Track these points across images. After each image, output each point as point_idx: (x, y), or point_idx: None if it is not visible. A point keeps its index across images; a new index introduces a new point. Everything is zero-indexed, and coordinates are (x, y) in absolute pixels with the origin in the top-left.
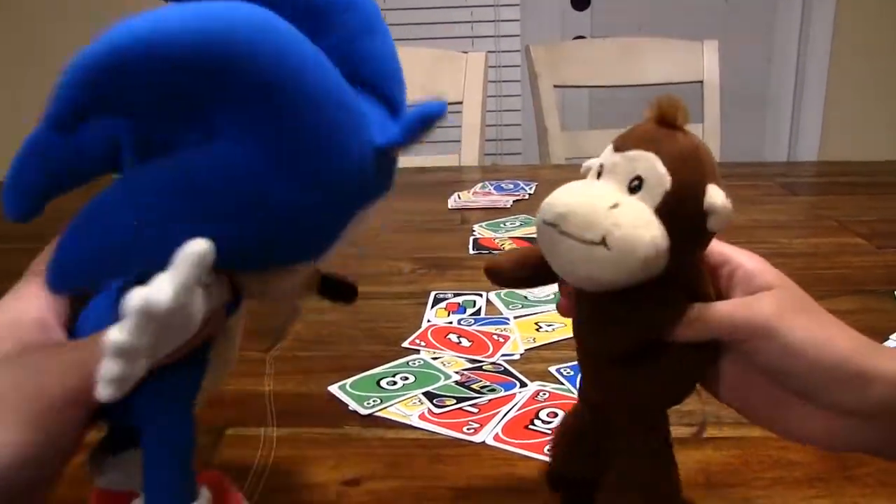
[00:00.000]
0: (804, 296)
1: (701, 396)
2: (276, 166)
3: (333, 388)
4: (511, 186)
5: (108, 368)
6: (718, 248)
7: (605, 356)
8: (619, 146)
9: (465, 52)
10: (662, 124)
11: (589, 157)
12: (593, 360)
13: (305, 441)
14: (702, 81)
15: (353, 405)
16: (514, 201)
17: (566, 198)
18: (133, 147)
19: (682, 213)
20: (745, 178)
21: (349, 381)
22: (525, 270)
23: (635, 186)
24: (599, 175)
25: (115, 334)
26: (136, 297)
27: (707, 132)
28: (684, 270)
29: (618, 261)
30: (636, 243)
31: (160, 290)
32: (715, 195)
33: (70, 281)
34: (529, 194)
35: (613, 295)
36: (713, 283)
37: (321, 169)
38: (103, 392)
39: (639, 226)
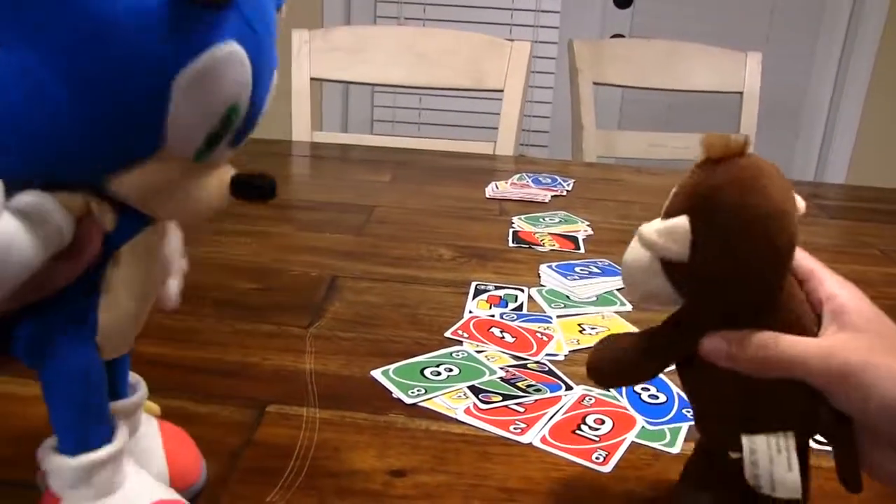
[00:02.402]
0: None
1: None
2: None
3: (376, 374)
4: (549, 181)
5: None
6: (805, 262)
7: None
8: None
9: (511, 41)
10: (715, 161)
11: (622, 158)
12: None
13: (348, 425)
14: (741, 93)
15: (396, 393)
16: (552, 196)
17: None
18: None
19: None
20: None
21: (392, 367)
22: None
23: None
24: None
25: None
26: None
27: None
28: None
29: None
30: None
31: None
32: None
33: None
34: (567, 191)
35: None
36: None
37: (70, 34)
38: None
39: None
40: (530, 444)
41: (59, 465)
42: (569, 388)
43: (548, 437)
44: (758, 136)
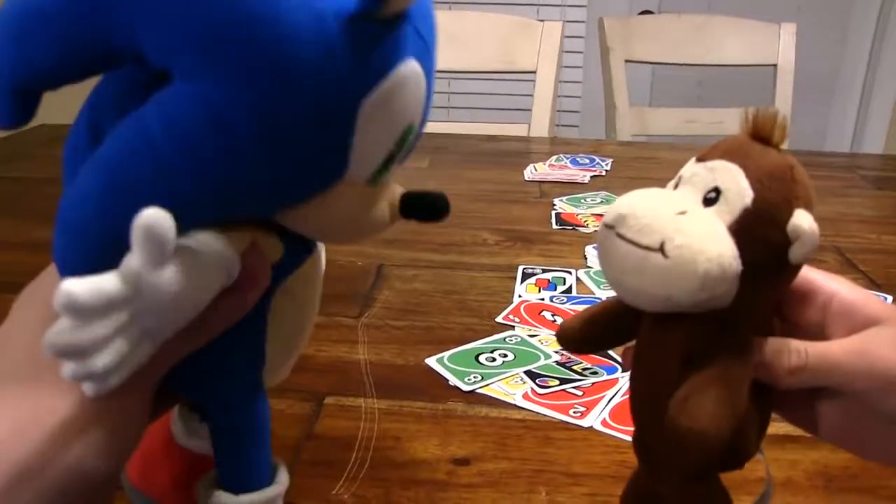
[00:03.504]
0: None
1: None
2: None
3: (431, 361)
4: (587, 161)
5: (69, 369)
6: (803, 273)
7: (651, 389)
8: (702, 157)
9: (542, 21)
10: (755, 139)
11: (655, 136)
12: (644, 394)
13: (408, 415)
14: (776, 65)
15: (453, 380)
16: (591, 177)
17: (632, 199)
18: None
19: (761, 236)
20: (822, 167)
21: (446, 354)
22: (594, 329)
23: (711, 198)
24: (677, 187)
25: (52, 334)
26: (59, 292)
27: None
28: (753, 312)
29: (675, 273)
30: (698, 255)
31: (76, 284)
32: (801, 218)
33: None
34: (606, 170)
35: (672, 318)
36: (801, 316)
37: (255, 65)
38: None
39: (707, 237)
40: (591, 427)
41: (222, 501)
42: (625, 369)
43: (608, 419)
44: (792, 107)
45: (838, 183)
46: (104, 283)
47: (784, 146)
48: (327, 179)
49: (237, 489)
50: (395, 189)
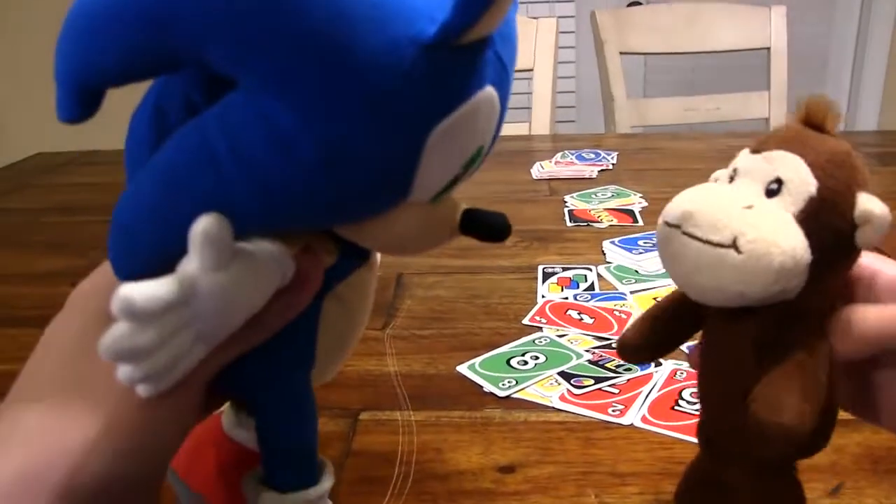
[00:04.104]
0: None
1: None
2: (281, 96)
3: (462, 369)
4: (592, 156)
5: (124, 372)
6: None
7: (724, 384)
8: (758, 148)
9: (536, 18)
10: (809, 126)
11: (654, 126)
12: (715, 388)
13: (446, 425)
14: (769, 48)
15: (487, 387)
16: (599, 171)
17: (693, 196)
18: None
19: (827, 224)
20: None
21: (477, 360)
22: (655, 335)
23: (774, 189)
24: (732, 180)
25: (110, 338)
26: (118, 296)
27: (773, 100)
28: (821, 300)
29: (750, 268)
30: (772, 248)
31: (134, 289)
32: (869, 202)
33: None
34: (613, 164)
35: (741, 312)
36: (850, 301)
37: (325, 91)
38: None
39: (778, 230)
40: (632, 424)
41: (269, 499)
42: (658, 363)
43: (648, 416)
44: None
45: None
46: (161, 288)
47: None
48: (390, 200)
49: (283, 487)
50: (458, 204)
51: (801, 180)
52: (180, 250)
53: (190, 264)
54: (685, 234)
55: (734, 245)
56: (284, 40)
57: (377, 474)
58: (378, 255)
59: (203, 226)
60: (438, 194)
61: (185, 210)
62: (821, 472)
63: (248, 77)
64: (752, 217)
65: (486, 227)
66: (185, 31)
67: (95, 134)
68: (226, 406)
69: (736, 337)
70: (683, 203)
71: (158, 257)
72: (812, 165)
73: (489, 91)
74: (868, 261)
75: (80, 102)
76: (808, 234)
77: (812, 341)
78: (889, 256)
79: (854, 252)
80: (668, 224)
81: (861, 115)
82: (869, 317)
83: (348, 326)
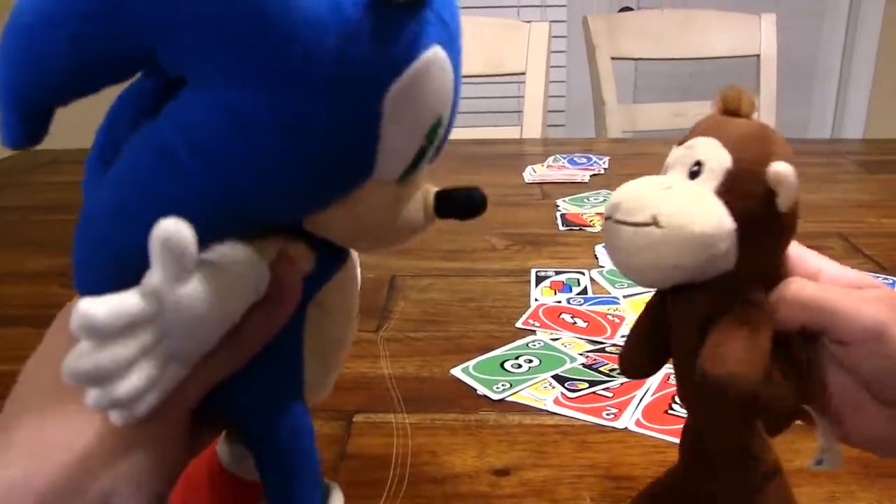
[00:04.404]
0: None
1: None
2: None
3: (456, 372)
4: (584, 160)
5: (92, 397)
6: (795, 248)
7: (681, 362)
8: (682, 141)
9: (529, 22)
10: (726, 113)
11: (645, 131)
12: (678, 372)
13: (440, 428)
14: (758, 55)
15: (481, 389)
16: (590, 175)
17: (622, 188)
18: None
19: (746, 192)
20: (815, 155)
21: (471, 363)
22: (652, 347)
23: (695, 171)
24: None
25: (71, 359)
26: (76, 313)
27: (763, 107)
28: (764, 269)
29: (674, 239)
30: (691, 217)
31: (93, 304)
32: (779, 166)
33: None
34: (604, 169)
35: (683, 290)
36: None
37: (271, 62)
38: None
39: (694, 202)
40: (626, 428)
41: None
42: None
43: (642, 419)
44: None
45: (832, 169)
46: (123, 302)
47: (754, 116)
48: (356, 176)
49: None
50: (429, 188)
51: (717, 157)
52: (145, 264)
53: (153, 276)
54: (616, 222)
55: (655, 222)
56: (225, 18)
57: (372, 477)
58: (356, 255)
59: (161, 231)
60: (406, 173)
61: (148, 214)
62: (814, 476)
63: (198, 69)
64: (670, 195)
65: (464, 204)
66: (135, 18)
67: (82, 133)
68: (221, 438)
69: (689, 315)
70: (613, 196)
71: (122, 273)
72: (726, 143)
73: (437, 50)
74: (814, 260)
75: (26, 124)
76: (730, 204)
77: (755, 303)
78: (886, 269)
79: (782, 218)
80: (605, 218)
81: (848, 123)
82: (808, 286)
83: (337, 333)
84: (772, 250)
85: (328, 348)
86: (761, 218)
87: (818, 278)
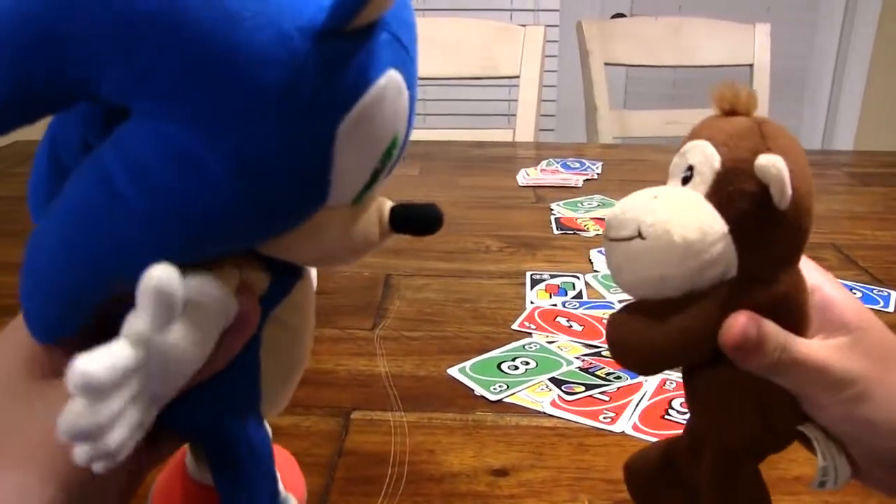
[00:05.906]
0: (893, 339)
1: None
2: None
3: (453, 371)
4: (577, 165)
5: (83, 453)
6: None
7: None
8: (678, 147)
9: (524, 26)
10: (724, 113)
11: (636, 137)
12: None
13: (438, 427)
14: (752, 65)
15: (479, 390)
16: (584, 180)
17: (615, 205)
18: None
19: (738, 192)
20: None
21: (468, 363)
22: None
23: (687, 177)
24: None
25: (71, 417)
26: (74, 373)
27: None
28: (766, 273)
29: (657, 250)
30: (671, 226)
31: (89, 362)
32: (764, 159)
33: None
34: (598, 174)
35: (678, 301)
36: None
37: (217, 97)
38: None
39: (678, 209)
40: (623, 432)
41: None
42: None
43: (639, 424)
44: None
45: (826, 181)
46: (117, 355)
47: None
48: (310, 206)
49: None
50: (384, 203)
51: (706, 158)
52: (92, 298)
53: (139, 322)
54: (610, 240)
55: (640, 234)
56: (172, 55)
57: (370, 474)
58: (313, 270)
59: (154, 280)
60: (360, 194)
61: (96, 251)
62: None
63: (141, 101)
64: (654, 204)
65: (420, 220)
66: (79, 49)
67: None
68: (188, 448)
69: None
70: (608, 214)
71: (71, 308)
72: (715, 143)
73: (392, 74)
74: (814, 277)
75: None
76: (721, 205)
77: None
78: (882, 282)
79: (785, 216)
80: (604, 238)
81: (838, 133)
82: (798, 347)
83: (294, 348)
84: (779, 252)
85: (286, 364)
86: (759, 217)
87: (812, 297)
